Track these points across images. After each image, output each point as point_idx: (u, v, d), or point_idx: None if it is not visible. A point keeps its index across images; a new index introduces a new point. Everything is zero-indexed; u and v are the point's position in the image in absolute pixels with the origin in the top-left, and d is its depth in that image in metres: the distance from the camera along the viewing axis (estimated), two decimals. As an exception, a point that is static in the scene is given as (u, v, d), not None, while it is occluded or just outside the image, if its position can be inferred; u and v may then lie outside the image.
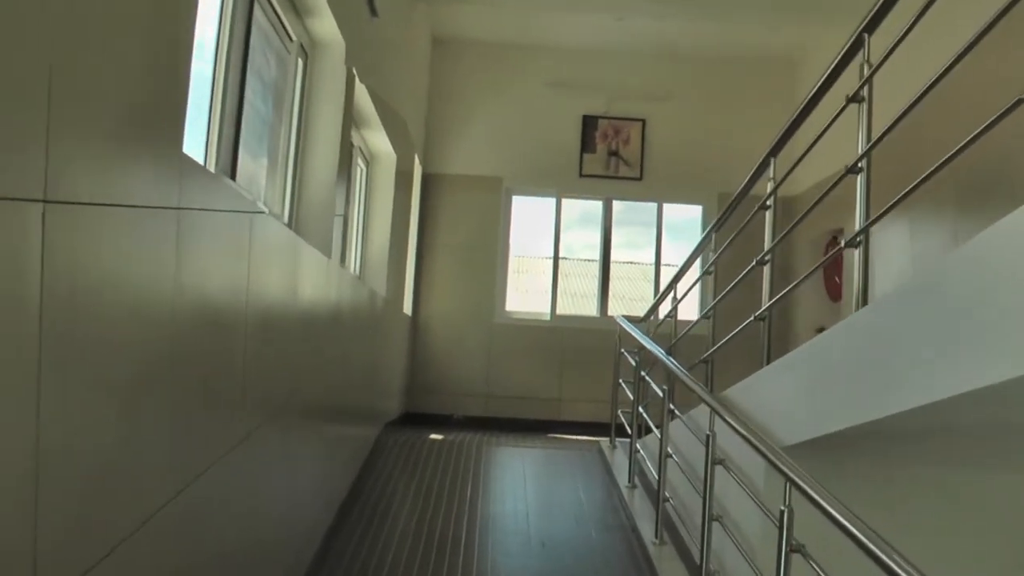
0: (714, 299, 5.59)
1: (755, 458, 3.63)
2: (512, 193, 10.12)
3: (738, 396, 4.25)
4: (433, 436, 8.22)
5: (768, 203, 4.72)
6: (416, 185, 9.37)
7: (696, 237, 10.52)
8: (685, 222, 10.78)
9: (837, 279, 8.90)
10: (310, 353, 3.98)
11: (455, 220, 9.93)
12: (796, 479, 2.70)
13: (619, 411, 7.47)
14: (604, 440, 7.76)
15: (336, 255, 4.61)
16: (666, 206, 10.26)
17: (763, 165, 4.93)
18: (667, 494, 4.98)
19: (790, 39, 9.73)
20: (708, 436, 3.87)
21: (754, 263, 4.69)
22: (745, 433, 3.26)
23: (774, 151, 4.67)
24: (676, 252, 10.75)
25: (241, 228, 2.73)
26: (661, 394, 5.21)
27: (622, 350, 7.45)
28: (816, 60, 9.64)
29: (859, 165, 3.09)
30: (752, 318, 4.47)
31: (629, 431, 6.82)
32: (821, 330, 9.12)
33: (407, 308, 9.11)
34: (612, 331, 9.79)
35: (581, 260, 14.17)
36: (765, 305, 4.40)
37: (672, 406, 5.14)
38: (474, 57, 10.07)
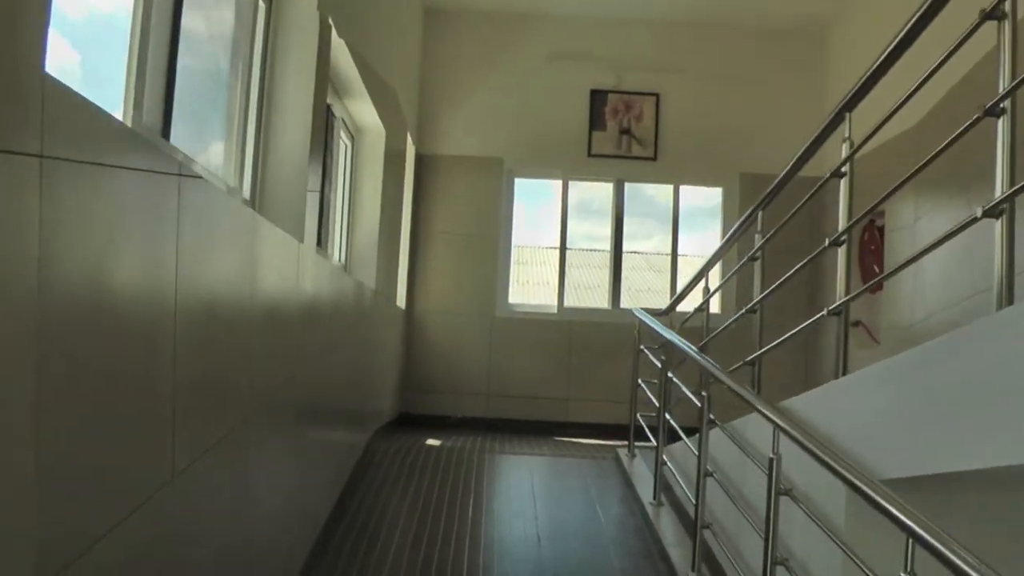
0: (762, 290, 4.84)
1: (832, 490, 2.92)
2: (514, 175, 9.40)
3: (804, 409, 3.53)
4: (430, 442, 7.52)
5: (843, 169, 3.93)
6: (409, 167, 8.65)
7: (710, 224, 9.83)
8: (692, 210, 10.08)
9: (876, 268, 8.19)
10: (278, 352, 3.27)
11: (452, 205, 9.21)
12: (920, 531, 1.99)
13: (638, 415, 6.76)
14: (621, 447, 7.05)
15: (311, 239, 3.88)
16: (682, 189, 9.53)
17: (834, 122, 4.19)
18: (706, 518, 4.27)
19: (819, 5, 9.00)
20: (771, 460, 3.15)
21: (826, 244, 3.94)
22: (835, 465, 2.54)
23: (849, 105, 3.92)
24: (687, 241, 10.08)
25: (162, 194, 2.02)
26: (698, 403, 4.50)
27: (642, 347, 6.74)
28: (848, 28, 8.94)
29: (1001, 106, 2.34)
30: (824, 312, 3.74)
31: (652, 439, 6.14)
32: (857, 324, 8.44)
33: (400, 301, 8.40)
34: (625, 325, 9.08)
35: (584, 250, 13.48)
36: (842, 300, 3.67)
37: (712, 415, 4.43)
38: (471, 27, 9.34)
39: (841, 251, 4.05)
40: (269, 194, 3.69)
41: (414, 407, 8.97)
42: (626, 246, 9.50)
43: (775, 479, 3.11)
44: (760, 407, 3.38)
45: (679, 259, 9.52)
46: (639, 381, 6.79)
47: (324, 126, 4.15)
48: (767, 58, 9.39)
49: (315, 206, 3.92)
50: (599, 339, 9.15)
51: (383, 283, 6.86)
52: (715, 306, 9.44)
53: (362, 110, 6.05)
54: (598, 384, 9.11)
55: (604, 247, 9.63)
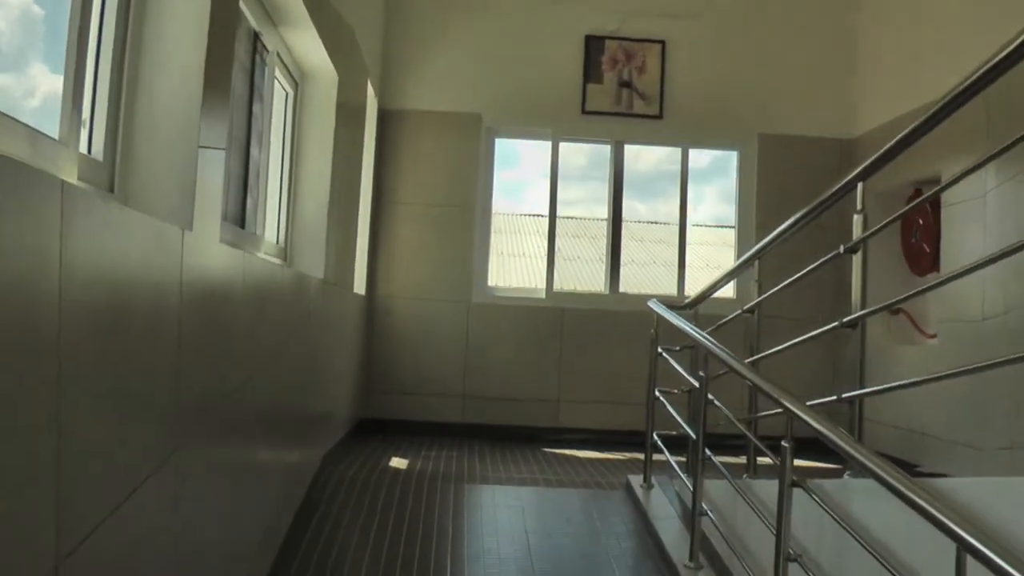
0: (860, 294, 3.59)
1: None
2: (495, 135, 8.09)
3: (978, 501, 2.25)
4: (395, 463, 6.24)
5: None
6: (370, 124, 7.30)
7: (719, 189, 8.56)
8: (654, 175, 8.78)
9: (926, 246, 6.95)
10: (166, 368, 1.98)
11: (422, 170, 7.88)
12: None
13: (654, 434, 5.51)
14: (633, 473, 5.78)
15: (211, 221, 2.54)
16: (692, 152, 8.25)
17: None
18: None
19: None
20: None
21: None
22: None
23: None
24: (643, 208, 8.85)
25: None
26: (773, 457, 3.21)
27: (661, 350, 5.48)
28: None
29: None
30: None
31: (676, 468, 4.92)
32: (897, 312, 7.19)
33: (358, 286, 7.07)
34: (626, 313, 7.86)
35: (573, 219, 12.19)
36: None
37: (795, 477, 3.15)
38: (445, -42, 7.99)
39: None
40: (135, 154, 2.35)
41: (377, 411, 7.70)
42: (598, 212, 8.23)
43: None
44: (932, 508, 2.09)
45: (687, 230, 8.27)
46: (656, 392, 5.53)
47: (231, 51, 2.79)
48: (790, 5, 8.11)
49: (218, 170, 2.59)
50: (595, 328, 7.90)
51: (335, 267, 5.55)
52: (727, 292, 8.25)
53: (307, 46, 4.71)
54: (594, 383, 7.87)
55: (591, 215, 8.33)
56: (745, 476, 4.45)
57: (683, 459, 5.36)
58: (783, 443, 3.07)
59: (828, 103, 8.12)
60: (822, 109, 8.11)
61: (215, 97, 2.55)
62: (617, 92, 7.96)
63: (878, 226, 3.60)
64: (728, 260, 8.56)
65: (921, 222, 7.04)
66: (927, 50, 7.15)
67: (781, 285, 4.50)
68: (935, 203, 6.96)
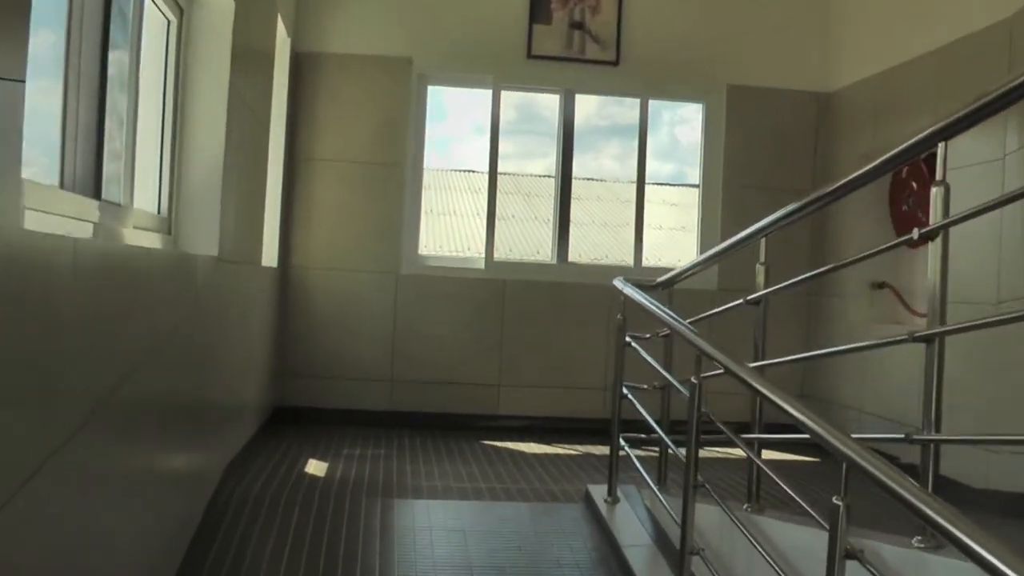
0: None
1: None
2: (428, 82, 7.16)
3: None
4: (312, 468, 5.37)
5: None
6: (281, 69, 6.34)
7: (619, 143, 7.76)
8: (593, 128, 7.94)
9: (922, 215, 6.22)
10: None
11: (344, 122, 6.94)
12: None
13: (621, 439, 4.72)
14: (595, 486, 4.97)
15: (10, 193, 1.64)
16: (652, 104, 7.41)
17: None
18: None
19: None
20: None
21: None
22: None
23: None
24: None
25: None
26: (823, 523, 2.40)
27: (629, 339, 4.67)
28: None
29: None
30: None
31: (652, 484, 4.16)
32: (882, 286, 6.37)
33: (269, 258, 6.14)
34: (575, 285, 7.07)
35: (514, 175, 11.28)
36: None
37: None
38: None
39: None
40: None
41: (294, 398, 6.82)
42: (534, 167, 7.38)
43: None
44: None
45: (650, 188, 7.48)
46: (623, 390, 4.73)
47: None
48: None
49: (15, 111, 1.68)
50: (541, 303, 7.10)
51: (236, 239, 4.63)
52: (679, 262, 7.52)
53: (192, -38, 3.76)
54: (539, 366, 7.09)
55: (522, 171, 7.46)
56: (747, 508, 3.66)
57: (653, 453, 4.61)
58: (836, 501, 2.26)
59: (804, 53, 7.35)
60: (797, 60, 7.33)
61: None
62: (568, 34, 7.08)
63: (970, 210, 2.72)
64: (689, 223, 7.79)
65: (915, 187, 6.30)
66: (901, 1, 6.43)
67: (802, 277, 3.65)
68: (934, 166, 6.22)
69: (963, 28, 5.71)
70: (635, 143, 7.41)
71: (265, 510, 4.41)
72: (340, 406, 6.84)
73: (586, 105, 7.40)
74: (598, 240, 10.91)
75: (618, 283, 4.73)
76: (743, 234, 3.95)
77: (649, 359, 4.44)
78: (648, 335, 4.77)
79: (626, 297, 4.60)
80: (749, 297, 3.79)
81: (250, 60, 4.77)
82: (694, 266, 4.68)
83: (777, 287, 3.73)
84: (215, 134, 4.10)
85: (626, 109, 7.83)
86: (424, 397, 6.95)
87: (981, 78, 5.61)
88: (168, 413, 3.30)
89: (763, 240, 3.77)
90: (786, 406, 2.50)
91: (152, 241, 3.66)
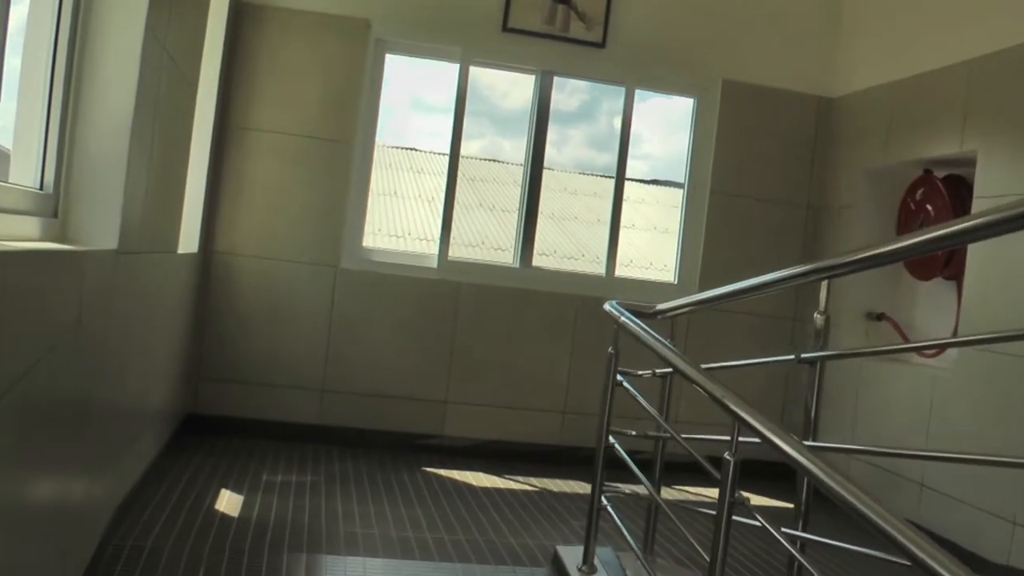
0: None
1: None
2: (387, 49, 6.30)
3: None
4: (222, 505, 4.51)
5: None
6: (217, 20, 5.43)
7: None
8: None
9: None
10: None
11: (287, 88, 6.05)
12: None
13: (603, 498, 3.93)
14: (565, 548, 4.18)
15: None
16: (639, 94, 6.61)
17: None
18: None
19: None
20: None
21: None
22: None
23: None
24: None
25: None
26: None
27: (621, 379, 3.91)
28: None
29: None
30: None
31: (639, 555, 3.42)
32: (880, 318, 5.97)
33: (188, 243, 5.24)
34: (539, 294, 6.30)
35: (478, 159, 10.46)
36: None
37: None
38: None
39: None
40: None
41: (209, 405, 5.95)
42: (507, 154, 6.58)
43: None
44: None
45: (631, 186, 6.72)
46: (609, 437, 3.97)
47: None
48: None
49: None
50: (499, 311, 6.30)
51: (145, 221, 3.76)
52: (664, 274, 6.84)
53: None
54: (492, 381, 6.32)
55: (523, 161, 6.63)
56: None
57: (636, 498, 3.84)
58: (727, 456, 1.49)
59: (808, 53, 6.64)
60: (801, 59, 6.62)
61: None
62: (551, 8, 6.26)
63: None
64: (667, 223, 7.05)
65: (932, 211, 5.61)
66: (926, 6, 5.74)
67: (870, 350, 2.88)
68: (957, 190, 5.55)
69: (993, 43, 5.06)
70: (573, 130, 6.73)
71: (162, 571, 3.54)
72: (262, 416, 5.98)
73: (525, 89, 6.60)
74: (556, 240, 10.11)
75: (611, 308, 3.96)
76: (798, 270, 3.13)
77: (645, 404, 3.68)
78: (643, 372, 4.02)
79: (620, 327, 3.82)
80: (803, 356, 2.99)
81: (174, 5, 3.87)
82: (713, 298, 3.88)
83: (842, 354, 2.97)
84: (123, 89, 3.21)
85: (566, 96, 7.11)
86: (360, 411, 6.12)
87: (1010, 96, 4.95)
88: (46, 432, 2.43)
89: (825, 283, 2.95)
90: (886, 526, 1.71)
91: (28, 228, 2.77)
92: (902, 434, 5.39)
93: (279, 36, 6.01)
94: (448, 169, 6.32)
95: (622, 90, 6.55)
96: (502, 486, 5.54)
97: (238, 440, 5.80)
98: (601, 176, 8.91)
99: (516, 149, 6.71)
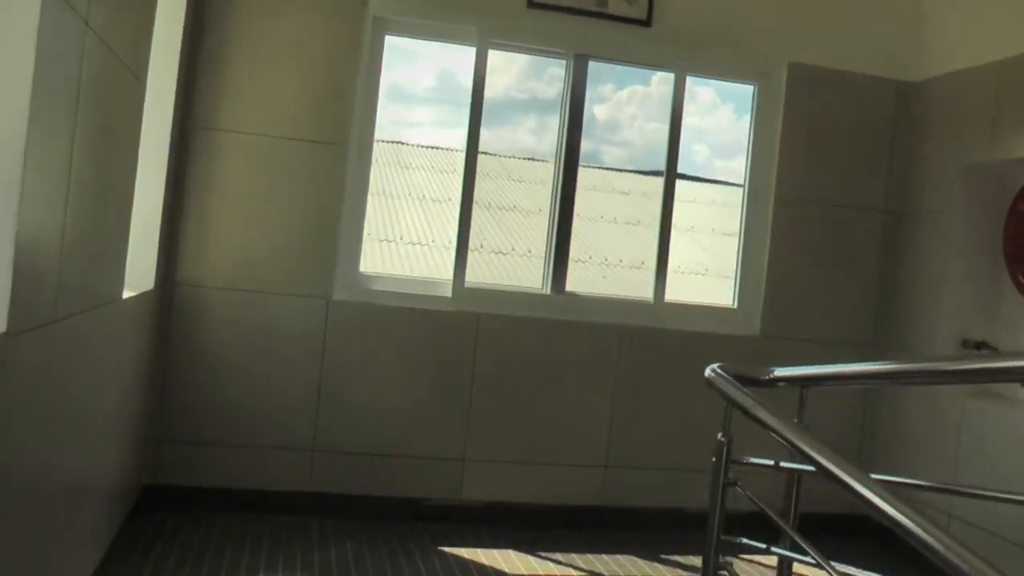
0: None
1: None
2: (387, 29, 5.23)
3: None
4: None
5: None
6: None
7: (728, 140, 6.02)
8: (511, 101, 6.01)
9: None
10: None
11: (264, 80, 4.97)
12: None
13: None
14: None
15: None
16: (690, 81, 5.57)
17: None
18: None
19: None
20: None
21: None
22: None
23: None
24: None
25: None
26: None
27: (731, 477, 2.87)
28: None
29: None
30: None
31: None
32: (980, 346, 5.17)
33: (138, 280, 4.17)
34: (573, 324, 5.32)
35: (433, 148, 9.40)
36: None
37: None
38: None
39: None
40: None
41: (174, 473, 4.91)
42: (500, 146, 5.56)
43: None
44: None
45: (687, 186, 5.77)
46: (719, 556, 2.92)
47: None
48: None
49: None
50: (527, 346, 5.27)
51: (65, 268, 2.68)
52: (721, 298, 5.85)
53: None
54: (518, 433, 5.29)
55: (554, 157, 5.57)
56: None
57: None
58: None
59: (886, 31, 5.64)
60: (877, 38, 5.63)
61: None
62: (585, -20, 5.21)
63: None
64: (729, 225, 6.06)
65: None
66: None
67: None
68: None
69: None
70: (551, 119, 5.64)
71: None
72: (239, 485, 4.93)
73: (503, 79, 5.64)
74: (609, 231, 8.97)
75: (716, 375, 2.92)
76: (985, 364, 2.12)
77: (774, 516, 2.64)
78: (762, 462, 3.00)
79: (731, 404, 2.79)
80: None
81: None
82: (849, 376, 2.86)
83: None
84: (11, 81, 2.13)
85: (544, 84, 6.18)
86: (359, 474, 5.08)
87: None
88: None
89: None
90: None
91: None
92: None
93: (254, 15, 4.93)
94: (464, 176, 5.25)
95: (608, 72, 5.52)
96: (541, 572, 4.49)
97: (208, 517, 4.74)
98: (607, 170, 7.95)
99: (496, 139, 5.72)
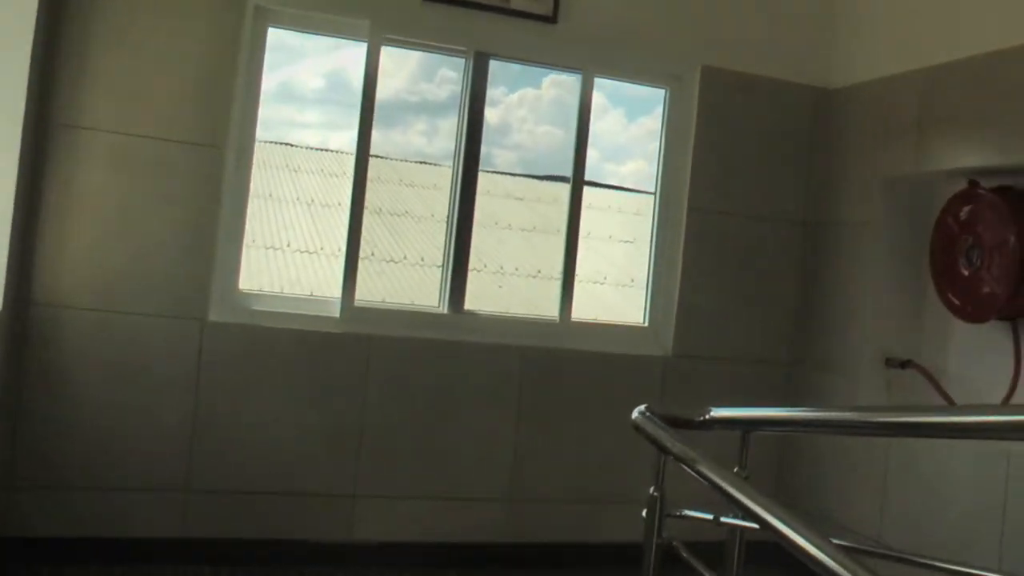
0: None
1: None
2: (270, 20, 4.74)
3: None
4: None
5: None
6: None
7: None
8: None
9: (991, 281, 4.40)
10: None
11: (133, 72, 4.41)
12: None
13: None
14: None
15: None
16: (598, 83, 5.26)
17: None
18: None
19: None
20: None
21: None
22: None
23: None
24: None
25: None
26: None
27: (677, 544, 2.57)
28: None
29: None
30: None
31: None
32: (905, 365, 4.98)
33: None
34: (474, 345, 4.99)
35: (323, 150, 8.86)
36: None
37: None
38: None
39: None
40: None
41: (26, 524, 4.32)
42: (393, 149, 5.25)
43: None
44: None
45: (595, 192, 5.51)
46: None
47: None
48: None
49: None
50: (422, 371, 4.88)
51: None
52: (631, 316, 5.59)
53: None
54: (412, 466, 4.91)
55: (452, 163, 5.19)
56: None
57: None
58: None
59: (802, 36, 5.48)
60: (793, 43, 5.47)
61: None
62: (487, -29, 4.84)
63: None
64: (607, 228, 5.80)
65: (984, 235, 4.44)
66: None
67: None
68: (1019, 204, 4.39)
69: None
70: (442, 122, 5.36)
71: None
72: (102, 533, 4.38)
73: (394, 81, 5.32)
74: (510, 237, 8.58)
75: (643, 419, 2.61)
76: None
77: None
78: (698, 515, 2.70)
79: (664, 453, 2.50)
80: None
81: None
82: (796, 421, 2.59)
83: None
84: None
85: (434, 86, 5.90)
86: (238, 516, 4.60)
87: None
88: None
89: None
90: None
91: None
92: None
93: (123, 8, 4.37)
94: (354, 180, 4.81)
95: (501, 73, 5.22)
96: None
97: (70, 570, 4.18)
98: (503, 174, 7.63)
99: (386, 141, 5.35)
